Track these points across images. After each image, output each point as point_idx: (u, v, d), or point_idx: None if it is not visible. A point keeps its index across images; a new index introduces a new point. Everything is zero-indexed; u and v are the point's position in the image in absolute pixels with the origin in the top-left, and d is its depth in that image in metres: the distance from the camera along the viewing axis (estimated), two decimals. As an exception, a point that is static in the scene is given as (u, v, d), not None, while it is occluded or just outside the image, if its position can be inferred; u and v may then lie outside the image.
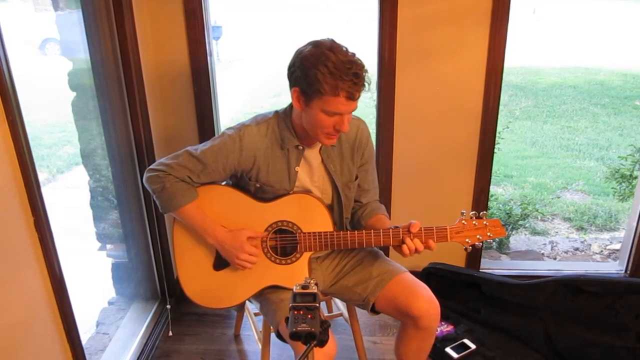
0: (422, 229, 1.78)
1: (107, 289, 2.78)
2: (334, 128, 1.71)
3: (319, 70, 1.61)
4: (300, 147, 1.85)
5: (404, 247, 1.77)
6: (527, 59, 9.74)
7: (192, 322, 2.75)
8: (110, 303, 2.78)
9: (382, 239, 1.81)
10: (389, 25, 2.41)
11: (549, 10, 14.77)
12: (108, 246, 2.75)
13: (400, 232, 1.78)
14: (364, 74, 1.65)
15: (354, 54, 1.66)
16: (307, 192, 1.89)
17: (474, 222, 1.80)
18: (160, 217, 2.59)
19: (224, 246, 1.83)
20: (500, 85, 2.49)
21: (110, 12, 2.19)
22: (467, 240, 1.80)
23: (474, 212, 1.80)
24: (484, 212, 1.81)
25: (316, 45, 1.66)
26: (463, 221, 1.80)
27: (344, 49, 1.66)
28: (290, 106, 1.83)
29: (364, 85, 1.66)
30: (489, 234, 1.80)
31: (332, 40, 1.68)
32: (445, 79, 2.52)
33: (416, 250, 1.77)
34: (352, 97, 1.64)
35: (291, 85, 1.72)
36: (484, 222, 1.80)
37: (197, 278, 1.95)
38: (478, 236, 1.80)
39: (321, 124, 1.70)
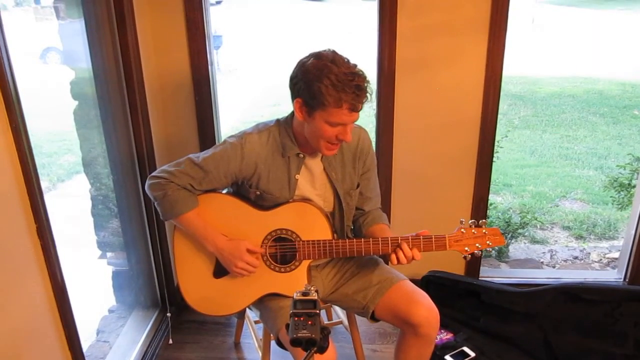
0: (421, 237, 1.79)
1: (107, 297, 2.78)
2: (337, 138, 1.73)
3: (322, 83, 1.62)
4: (301, 155, 1.86)
5: (393, 256, 1.78)
6: (526, 69, 9.76)
7: (193, 329, 2.75)
8: (110, 311, 2.78)
9: (380, 248, 1.82)
10: (389, 35, 2.43)
11: (547, 20, 14.83)
12: (109, 254, 2.76)
13: (399, 240, 1.79)
14: (366, 85, 1.67)
15: (355, 65, 1.68)
16: (307, 200, 1.90)
17: (473, 231, 1.80)
18: (161, 225, 2.60)
19: (223, 254, 1.85)
20: (499, 94, 2.51)
21: (112, 22, 2.21)
22: (466, 248, 1.81)
23: (473, 220, 1.80)
24: (483, 220, 1.82)
25: (318, 57, 1.68)
26: (462, 230, 1.80)
27: (346, 60, 1.68)
28: (292, 114, 1.84)
29: (366, 97, 1.68)
30: (488, 242, 1.81)
31: (334, 52, 1.69)
32: (444, 88, 2.54)
33: (414, 258, 1.78)
34: (355, 108, 1.67)
35: (294, 96, 1.73)
36: (483, 231, 1.80)
37: (197, 285, 1.96)
38: (477, 245, 1.81)
39: (324, 134, 1.72)
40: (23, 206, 1.56)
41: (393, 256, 1.79)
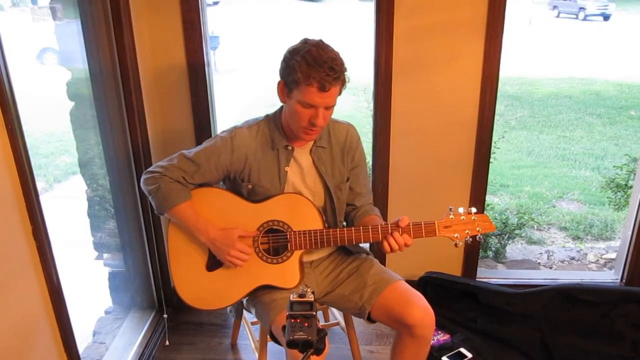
0: (411, 224, 1.80)
1: (104, 298, 2.78)
2: (310, 122, 1.74)
3: (296, 59, 1.68)
4: (290, 148, 1.88)
5: (385, 243, 1.79)
6: (523, 69, 9.79)
7: (189, 331, 2.74)
8: (107, 312, 2.78)
9: (370, 235, 1.82)
10: (385, 35, 2.43)
11: (544, 20, 14.86)
12: (105, 255, 2.75)
13: (389, 228, 1.80)
14: (340, 69, 1.70)
15: (337, 53, 1.72)
16: (298, 192, 1.92)
17: (462, 217, 1.80)
18: (158, 226, 2.60)
19: (216, 244, 1.86)
20: (496, 95, 2.51)
21: (109, 22, 2.21)
22: (455, 235, 1.81)
23: (461, 207, 1.81)
24: (472, 207, 1.82)
25: (304, 41, 1.74)
26: (451, 216, 1.81)
27: (330, 48, 1.72)
28: (281, 108, 1.89)
29: (338, 79, 1.70)
30: (477, 228, 1.81)
31: (321, 40, 1.75)
32: (441, 89, 2.54)
33: (405, 245, 1.79)
34: (324, 87, 1.68)
35: (279, 78, 1.78)
36: (472, 217, 1.81)
37: (191, 280, 1.96)
38: (467, 231, 1.81)
39: (298, 116, 1.75)
40: (19, 208, 1.55)
41: (385, 243, 1.80)
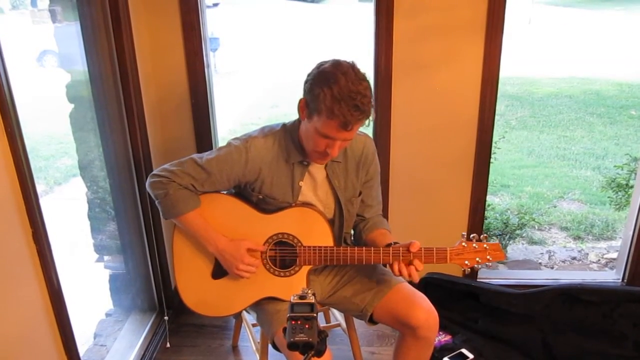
0: (422, 249, 1.78)
1: (104, 301, 2.77)
2: (325, 150, 1.71)
3: (323, 90, 1.60)
4: (305, 163, 1.85)
5: (395, 267, 1.77)
6: (523, 69, 9.78)
7: (190, 333, 2.74)
8: (107, 315, 2.77)
9: (381, 257, 1.81)
10: (385, 36, 2.42)
11: (544, 20, 14.86)
12: (106, 258, 2.75)
13: (400, 252, 1.78)
14: (367, 108, 1.62)
15: (366, 86, 1.64)
16: (310, 205, 1.89)
17: (474, 245, 1.79)
18: (158, 228, 2.59)
19: (224, 255, 1.84)
20: (496, 95, 2.51)
21: (108, 25, 2.21)
22: (466, 262, 1.80)
23: (474, 234, 1.81)
24: (484, 235, 1.82)
25: (335, 65, 1.65)
26: (463, 243, 1.80)
27: (360, 77, 1.64)
28: (299, 120, 1.82)
29: (363, 118, 1.64)
30: (488, 257, 1.80)
31: (352, 65, 1.66)
32: (442, 89, 2.53)
33: (416, 269, 1.77)
34: (346, 126, 1.62)
35: (303, 94, 1.72)
36: (484, 246, 1.80)
37: (195, 286, 1.95)
38: (477, 259, 1.80)
39: (314, 142, 1.71)
40: (18, 211, 1.55)
41: (395, 267, 1.77)
